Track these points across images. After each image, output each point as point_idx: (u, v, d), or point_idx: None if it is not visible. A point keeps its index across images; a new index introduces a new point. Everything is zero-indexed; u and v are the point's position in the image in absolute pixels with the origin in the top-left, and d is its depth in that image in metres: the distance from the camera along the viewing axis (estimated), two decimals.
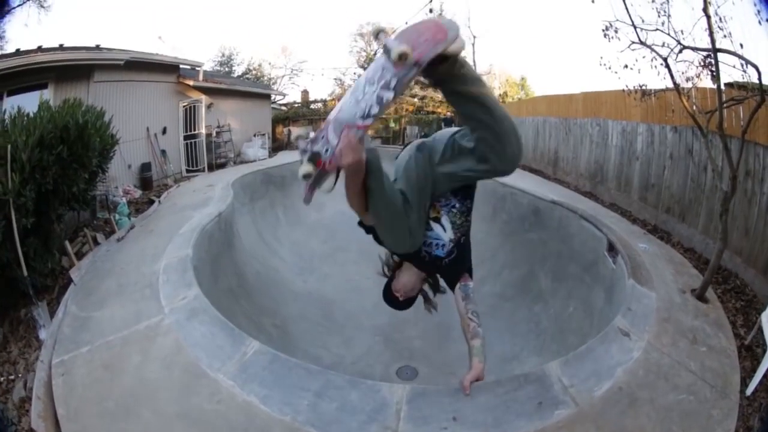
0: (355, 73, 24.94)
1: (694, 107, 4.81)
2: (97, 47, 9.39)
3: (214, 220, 6.69)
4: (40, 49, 7.83)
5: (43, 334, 4.25)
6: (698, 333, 4.08)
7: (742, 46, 4.04)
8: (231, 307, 5.75)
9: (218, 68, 25.27)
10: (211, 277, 5.67)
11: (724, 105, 4.36)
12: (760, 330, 3.88)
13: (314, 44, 46.83)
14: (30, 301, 4.71)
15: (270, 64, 27.50)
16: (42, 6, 15.32)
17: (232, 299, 6.03)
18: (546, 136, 12.46)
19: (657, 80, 5.00)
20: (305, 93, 22.39)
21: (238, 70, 26.33)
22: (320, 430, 2.71)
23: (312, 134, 2.21)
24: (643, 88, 5.61)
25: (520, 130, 2.25)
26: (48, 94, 7.68)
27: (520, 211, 8.72)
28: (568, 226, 7.20)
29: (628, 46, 4.98)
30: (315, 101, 21.52)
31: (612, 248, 5.77)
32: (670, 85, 4.70)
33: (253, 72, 27.03)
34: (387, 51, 1.99)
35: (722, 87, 4.31)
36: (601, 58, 5.57)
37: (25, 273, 4.59)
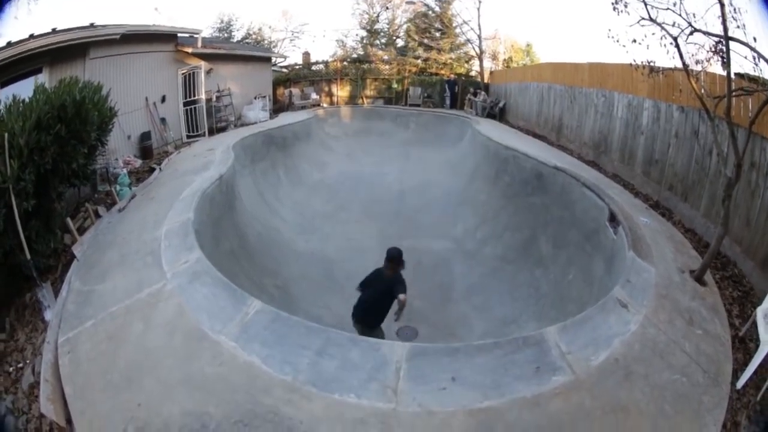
0: (357, 35, 24.29)
1: (702, 90, 4.72)
2: (92, 25, 9.11)
3: (215, 183, 6.65)
4: (32, 36, 7.59)
5: (48, 315, 4.21)
6: (695, 315, 4.04)
7: (755, 39, 3.93)
8: (233, 269, 5.79)
9: (217, 34, 24.56)
10: (213, 239, 5.67)
11: (733, 94, 4.27)
12: (755, 324, 3.86)
13: (315, 7, 45.27)
14: (34, 284, 4.67)
15: (270, 27, 26.77)
16: None
17: (234, 261, 6.06)
18: (551, 102, 12.23)
19: (665, 58, 4.91)
20: (306, 55, 21.89)
21: (238, 36, 25.61)
22: (320, 388, 2.74)
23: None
24: (651, 64, 5.47)
25: None
26: (43, 77, 7.51)
27: (523, 175, 8.70)
28: (570, 193, 7.19)
29: (638, 22, 4.82)
30: (316, 62, 21.04)
31: (613, 219, 5.74)
32: (679, 65, 4.62)
33: (254, 36, 26.31)
34: None
35: (732, 75, 4.22)
36: (609, 30, 5.39)
37: (28, 257, 4.55)
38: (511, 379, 2.88)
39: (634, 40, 5.12)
